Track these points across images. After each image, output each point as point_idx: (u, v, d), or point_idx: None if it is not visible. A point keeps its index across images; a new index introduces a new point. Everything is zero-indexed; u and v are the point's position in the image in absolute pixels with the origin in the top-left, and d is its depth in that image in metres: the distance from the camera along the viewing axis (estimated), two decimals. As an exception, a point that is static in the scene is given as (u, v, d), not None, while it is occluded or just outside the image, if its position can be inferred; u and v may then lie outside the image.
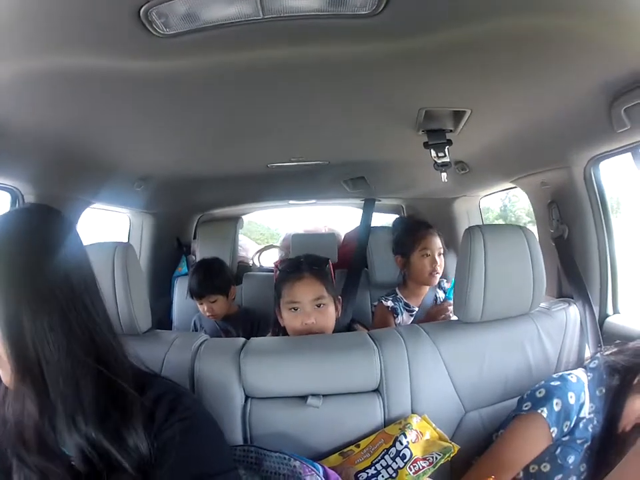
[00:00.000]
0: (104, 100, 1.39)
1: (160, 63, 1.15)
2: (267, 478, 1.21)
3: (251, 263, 3.95)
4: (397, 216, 3.57)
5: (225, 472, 0.94)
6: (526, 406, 1.36)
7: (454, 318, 1.66)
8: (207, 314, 2.67)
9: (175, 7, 0.93)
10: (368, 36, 1.07)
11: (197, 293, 2.66)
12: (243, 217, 3.97)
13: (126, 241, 3.20)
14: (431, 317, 2.33)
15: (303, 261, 1.78)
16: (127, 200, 2.72)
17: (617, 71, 1.26)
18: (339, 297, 1.82)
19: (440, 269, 2.41)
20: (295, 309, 1.69)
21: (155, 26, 0.98)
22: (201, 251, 3.32)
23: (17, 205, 1.84)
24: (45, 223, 0.95)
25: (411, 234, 2.51)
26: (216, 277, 2.67)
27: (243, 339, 1.56)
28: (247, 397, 1.43)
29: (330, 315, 1.72)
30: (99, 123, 1.58)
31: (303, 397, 1.40)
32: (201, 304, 2.66)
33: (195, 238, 3.63)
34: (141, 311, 1.51)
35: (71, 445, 0.89)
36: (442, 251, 2.45)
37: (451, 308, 2.26)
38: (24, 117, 1.43)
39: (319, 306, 1.69)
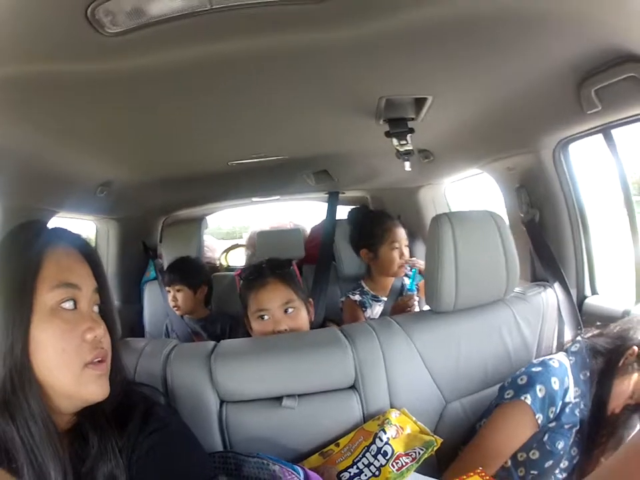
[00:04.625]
0: (58, 104, 1.35)
1: (111, 63, 1.12)
2: (245, 484, 1.20)
3: (217, 263, 3.94)
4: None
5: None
6: (508, 394, 1.36)
7: (425, 308, 1.65)
8: (172, 303, 2.74)
9: (120, 4, 0.91)
10: (318, 23, 1.04)
11: (165, 279, 2.81)
12: (207, 217, 3.95)
13: None
14: (396, 311, 2.31)
15: (265, 266, 1.71)
16: (91, 207, 2.67)
17: (587, 51, 1.24)
18: (310, 299, 1.76)
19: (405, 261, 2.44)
20: (263, 317, 1.62)
21: (102, 25, 0.95)
22: (166, 253, 3.30)
23: None
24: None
25: (378, 227, 2.50)
26: (185, 269, 2.78)
27: (213, 342, 1.53)
28: (221, 402, 1.40)
29: (302, 319, 1.65)
30: (54, 130, 1.53)
31: (278, 399, 1.38)
32: (169, 291, 2.77)
33: (160, 241, 3.59)
34: None
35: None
36: (407, 243, 2.48)
37: (413, 300, 2.30)
38: None
39: (287, 311, 1.62)
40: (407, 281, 2.48)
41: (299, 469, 1.15)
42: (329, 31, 1.07)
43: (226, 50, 1.13)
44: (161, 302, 2.98)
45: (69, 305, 0.92)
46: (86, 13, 0.90)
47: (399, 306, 2.32)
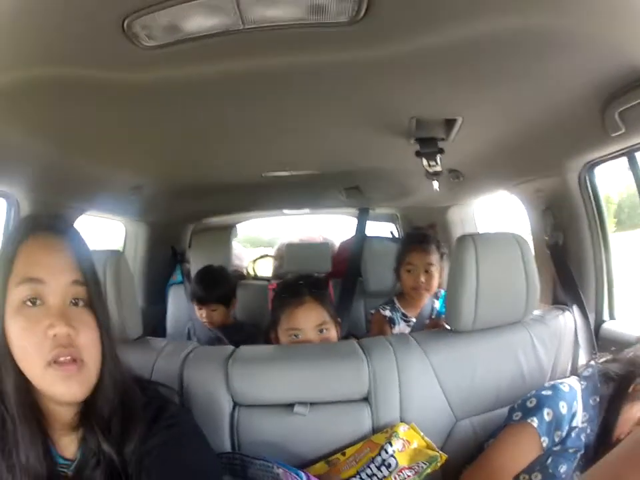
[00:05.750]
0: (93, 110, 1.39)
1: (146, 73, 1.16)
2: (250, 484, 1.22)
3: (245, 272, 3.97)
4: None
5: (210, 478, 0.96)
6: (516, 415, 1.36)
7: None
8: (204, 320, 2.66)
9: (157, 19, 0.94)
10: (350, 43, 1.07)
11: (199, 299, 2.67)
12: (237, 225, 4.02)
13: (121, 248, 3.24)
14: None
15: (303, 284, 1.68)
16: (121, 208, 2.75)
17: (610, 72, 1.24)
18: (339, 320, 1.74)
19: (427, 285, 2.36)
20: (297, 336, 1.60)
21: (138, 38, 0.99)
22: (194, 259, 3.36)
23: (12, 210, 1.86)
24: None
25: (400, 248, 2.52)
26: (221, 287, 2.69)
27: (231, 347, 1.55)
28: (235, 404, 1.43)
29: (332, 339, 1.64)
30: (89, 132, 1.58)
31: (290, 405, 1.40)
32: (200, 309, 2.67)
33: (189, 246, 3.66)
34: (132, 318, 1.53)
35: (76, 449, 0.95)
36: (431, 268, 2.38)
37: (441, 323, 2.23)
38: (18, 126, 1.44)
39: (321, 331, 1.61)
40: (437, 304, 2.43)
41: (302, 474, 1.17)
42: (361, 50, 1.10)
43: (260, 65, 1.16)
44: (185, 305, 3.03)
45: (30, 301, 0.89)
46: (123, 25, 0.94)
47: (429, 328, 2.29)
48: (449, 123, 1.65)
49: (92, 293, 0.95)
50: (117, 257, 1.54)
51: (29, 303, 0.89)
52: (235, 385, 1.41)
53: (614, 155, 1.71)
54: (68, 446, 0.96)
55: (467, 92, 1.40)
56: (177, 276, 3.36)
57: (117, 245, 3.29)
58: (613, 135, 1.44)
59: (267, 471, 1.20)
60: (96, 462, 0.93)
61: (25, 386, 0.89)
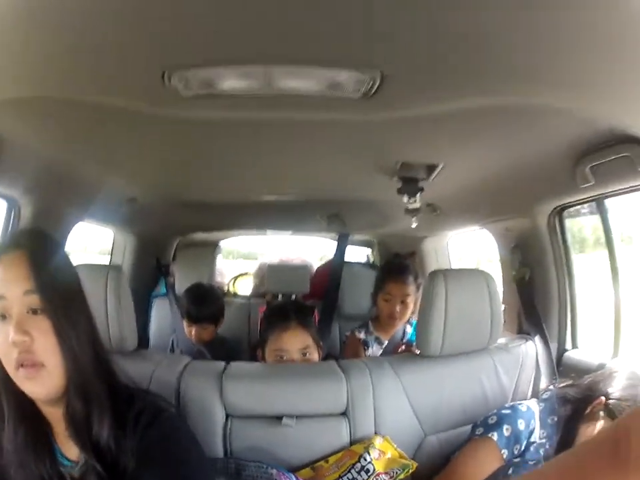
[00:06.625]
0: (104, 132, 1.48)
1: (166, 109, 1.25)
2: (245, 484, 1.32)
3: (226, 289, 3.98)
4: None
5: (200, 474, 1.01)
6: (479, 431, 1.49)
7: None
8: (193, 338, 2.67)
9: (196, 74, 1.04)
10: (357, 110, 1.20)
11: (190, 318, 2.68)
12: (221, 242, 4.08)
13: (109, 256, 3.29)
14: None
15: (290, 309, 1.78)
16: (113, 218, 2.78)
17: (584, 133, 1.36)
18: (321, 343, 1.83)
19: (401, 315, 2.42)
20: (282, 357, 1.71)
21: (175, 88, 1.09)
22: (179, 274, 3.37)
23: (13, 213, 1.88)
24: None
25: (380, 276, 2.57)
26: (213, 306, 2.72)
27: (223, 363, 1.65)
28: (227, 416, 1.52)
29: (314, 360, 1.75)
30: (94, 147, 1.65)
31: (279, 418, 1.50)
32: (190, 327, 2.68)
33: (174, 260, 3.69)
34: (130, 330, 1.60)
35: (80, 449, 0.98)
36: (407, 299, 2.43)
37: (411, 350, 2.32)
38: (29, 133, 1.50)
39: (304, 354, 1.72)
40: (408, 329, 2.52)
41: (292, 475, 1.29)
42: (363, 115, 1.23)
43: (271, 114, 1.29)
44: (168, 317, 3.04)
45: (1, 316, 0.94)
46: (163, 75, 1.03)
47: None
48: (431, 167, 1.79)
49: (45, 301, 0.95)
50: (117, 272, 1.62)
51: (0, 319, 0.95)
52: (228, 398, 1.51)
53: (583, 200, 1.85)
54: (72, 448, 1.01)
55: (449, 145, 1.55)
56: (161, 288, 3.39)
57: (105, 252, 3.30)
58: (582, 186, 1.58)
59: (261, 471, 1.32)
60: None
61: (18, 388, 0.96)
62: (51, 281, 0.97)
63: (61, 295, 0.98)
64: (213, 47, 0.96)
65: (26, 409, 0.99)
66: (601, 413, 1.39)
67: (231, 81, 1.08)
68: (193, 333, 2.66)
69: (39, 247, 1.02)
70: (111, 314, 1.54)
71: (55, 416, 1.01)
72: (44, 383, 0.95)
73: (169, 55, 0.99)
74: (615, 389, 1.41)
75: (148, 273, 3.45)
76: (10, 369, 0.94)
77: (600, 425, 1.38)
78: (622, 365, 1.55)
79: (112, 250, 3.28)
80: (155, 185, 2.26)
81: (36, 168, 1.73)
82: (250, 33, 0.89)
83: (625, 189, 1.61)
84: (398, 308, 2.42)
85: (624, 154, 1.35)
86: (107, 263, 3.25)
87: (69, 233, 2.28)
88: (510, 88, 1.11)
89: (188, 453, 1.02)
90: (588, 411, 1.42)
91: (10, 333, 0.92)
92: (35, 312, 0.95)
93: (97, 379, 1.00)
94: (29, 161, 1.66)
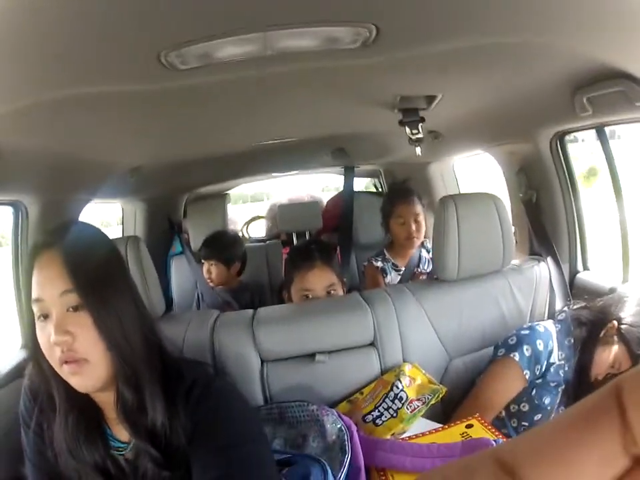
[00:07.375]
0: (104, 113, 1.44)
1: (169, 86, 1.24)
2: (290, 425, 1.40)
3: (240, 234, 3.93)
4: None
5: (254, 439, 1.00)
6: (500, 352, 1.56)
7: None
8: (206, 275, 2.83)
9: (192, 50, 1.03)
10: (355, 55, 1.19)
11: (202, 254, 2.87)
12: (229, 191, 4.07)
13: (120, 227, 3.31)
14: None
15: (314, 248, 1.81)
16: (120, 191, 2.80)
17: (582, 67, 1.34)
18: (344, 279, 1.88)
19: (417, 234, 2.49)
20: (308, 296, 1.76)
21: (173, 65, 1.08)
22: (192, 230, 3.41)
23: (20, 216, 1.87)
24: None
25: (388, 202, 2.61)
26: (220, 245, 2.84)
27: (251, 310, 1.70)
28: (262, 361, 1.59)
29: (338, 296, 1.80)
30: (95, 130, 1.64)
31: (311, 355, 1.57)
32: (203, 264, 2.86)
33: (184, 216, 3.71)
34: (157, 295, 1.64)
35: (133, 436, 1.01)
36: (418, 217, 2.51)
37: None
38: (29, 136, 1.49)
39: (329, 292, 1.77)
40: (424, 254, 2.59)
41: (333, 410, 1.36)
42: (362, 59, 1.22)
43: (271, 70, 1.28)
44: (188, 274, 3.12)
45: (42, 317, 0.96)
46: (159, 57, 1.02)
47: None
48: (430, 98, 1.76)
49: (84, 298, 0.96)
50: (135, 241, 1.65)
51: (41, 319, 0.96)
52: (261, 344, 1.57)
53: (582, 127, 1.86)
54: (123, 430, 1.03)
55: (448, 76, 1.52)
56: (177, 247, 3.41)
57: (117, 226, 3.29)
58: (581, 115, 1.58)
59: (303, 409, 1.39)
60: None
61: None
62: (87, 277, 0.97)
63: (99, 289, 0.98)
64: (208, 21, 0.95)
65: (76, 397, 1.00)
66: (615, 338, 1.45)
67: (229, 50, 1.07)
68: (205, 271, 2.85)
69: (71, 242, 1.00)
70: (135, 281, 1.57)
71: (106, 401, 1.03)
72: (89, 376, 0.96)
73: (163, 35, 0.97)
74: (627, 314, 1.47)
75: (162, 235, 3.47)
76: (55, 365, 0.96)
77: (614, 349, 1.44)
78: (632, 290, 1.61)
79: (122, 221, 3.30)
80: (159, 150, 2.25)
81: (37, 167, 1.72)
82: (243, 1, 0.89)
83: (623, 119, 1.63)
84: (414, 227, 2.49)
85: (619, 88, 1.36)
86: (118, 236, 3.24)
87: (78, 216, 2.29)
88: (507, 26, 1.10)
89: (240, 424, 1.02)
90: (602, 334, 1.48)
91: (50, 333, 0.93)
92: (75, 309, 0.96)
93: (146, 366, 1.00)
94: (30, 162, 1.65)
